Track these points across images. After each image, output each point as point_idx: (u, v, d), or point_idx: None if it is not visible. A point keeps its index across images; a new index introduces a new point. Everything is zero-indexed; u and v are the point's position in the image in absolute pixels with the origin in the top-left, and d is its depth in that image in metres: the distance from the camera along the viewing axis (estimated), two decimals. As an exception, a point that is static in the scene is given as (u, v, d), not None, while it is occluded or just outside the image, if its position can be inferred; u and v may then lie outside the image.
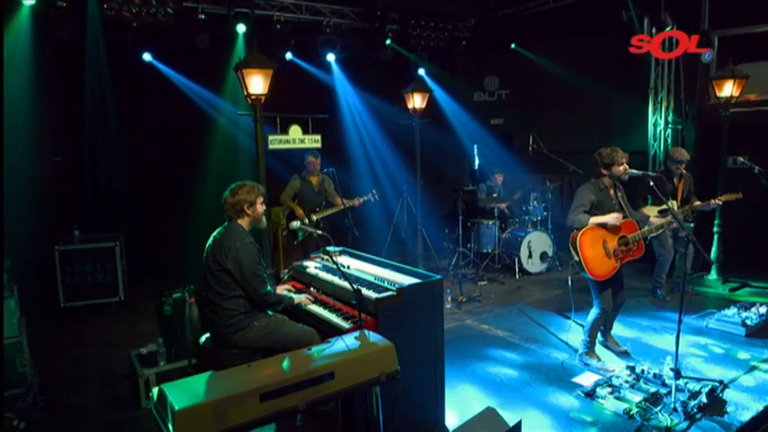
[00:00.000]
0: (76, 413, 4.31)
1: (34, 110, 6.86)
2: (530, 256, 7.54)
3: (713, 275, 6.99)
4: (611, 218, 4.41)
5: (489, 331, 5.62)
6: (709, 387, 4.15)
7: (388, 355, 2.96)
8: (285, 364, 2.80)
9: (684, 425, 3.75)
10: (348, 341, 3.00)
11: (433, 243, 8.12)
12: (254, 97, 4.85)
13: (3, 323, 4.12)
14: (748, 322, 5.33)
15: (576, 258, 4.44)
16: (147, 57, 7.17)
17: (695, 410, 3.89)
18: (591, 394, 4.17)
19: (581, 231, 4.42)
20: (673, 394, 4.00)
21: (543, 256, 7.65)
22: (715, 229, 6.94)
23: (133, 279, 7.06)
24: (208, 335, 3.82)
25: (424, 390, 3.73)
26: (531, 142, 8.09)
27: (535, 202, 7.86)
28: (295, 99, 7.46)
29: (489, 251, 7.83)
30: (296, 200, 6.70)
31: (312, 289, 4.28)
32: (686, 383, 4.22)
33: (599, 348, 4.89)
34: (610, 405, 4.01)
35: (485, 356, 4.97)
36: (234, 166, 7.52)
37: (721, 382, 4.31)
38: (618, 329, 5.46)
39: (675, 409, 3.88)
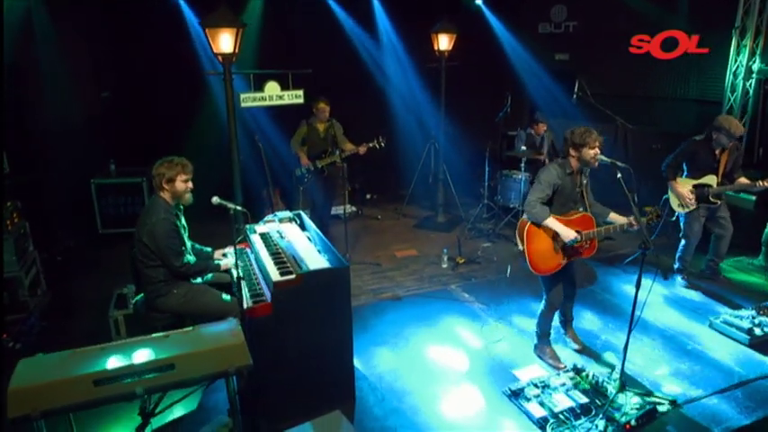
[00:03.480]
0: (66, 340, 4.94)
1: (82, 49, 7.38)
2: (553, 217, 6.96)
3: (760, 261, 6.02)
4: (567, 234, 3.93)
5: (466, 302, 5.44)
6: (651, 406, 3.75)
7: (240, 350, 3.03)
8: (134, 350, 2.97)
9: (593, 448, 3.48)
10: (205, 333, 3.11)
11: (458, 192, 7.78)
12: (222, 57, 4.78)
13: (3, 263, 4.77)
14: (757, 331, 4.61)
15: (521, 248, 4.07)
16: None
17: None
18: (517, 394, 3.95)
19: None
20: (604, 409, 3.70)
21: (570, 219, 7.03)
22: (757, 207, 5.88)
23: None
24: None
25: (328, 372, 3.77)
26: (576, 89, 7.22)
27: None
28: (302, 46, 7.19)
29: (513, 206, 7.36)
30: (305, 145, 6.72)
31: (252, 255, 4.40)
32: (630, 397, 3.86)
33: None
34: (529, 409, 3.78)
35: (441, 332, 4.86)
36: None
37: (673, 401, 3.87)
38: (608, 318, 5.05)
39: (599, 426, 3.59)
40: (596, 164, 3.99)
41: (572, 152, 4.03)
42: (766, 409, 3.79)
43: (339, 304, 3.70)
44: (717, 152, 5.30)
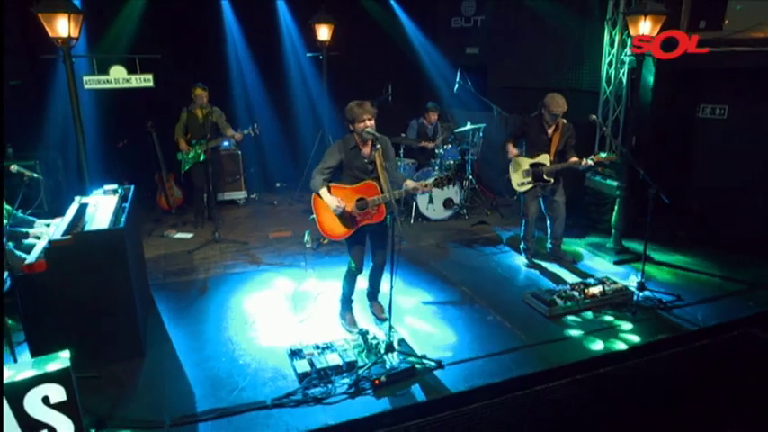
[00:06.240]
0: None
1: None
2: (430, 201, 7.17)
3: (610, 243, 6.18)
4: (330, 203, 4.21)
5: (308, 276, 5.64)
6: (409, 365, 3.95)
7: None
8: None
9: (337, 398, 3.68)
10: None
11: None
12: (61, 41, 5.03)
13: None
14: (559, 302, 4.80)
15: (312, 217, 4.33)
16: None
17: (368, 386, 3.77)
18: (296, 353, 4.14)
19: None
20: (365, 367, 3.92)
21: (448, 204, 7.23)
22: (617, 192, 6.03)
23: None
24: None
25: (110, 327, 4.01)
26: (457, 79, 7.43)
27: (449, 145, 7.32)
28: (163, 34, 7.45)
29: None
30: (188, 133, 7.00)
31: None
32: (402, 359, 4.05)
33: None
34: (296, 366, 3.97)
35: (266, 301, 5.10)
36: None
37: (439, 363, 4.06)
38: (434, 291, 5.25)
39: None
40: (370, 137, 4.21)
41: (351, 127, 4.26)
42: (522, 369, 3.98)
43: (115, 264, 3.94)
44: (549, 131, 5.51)
